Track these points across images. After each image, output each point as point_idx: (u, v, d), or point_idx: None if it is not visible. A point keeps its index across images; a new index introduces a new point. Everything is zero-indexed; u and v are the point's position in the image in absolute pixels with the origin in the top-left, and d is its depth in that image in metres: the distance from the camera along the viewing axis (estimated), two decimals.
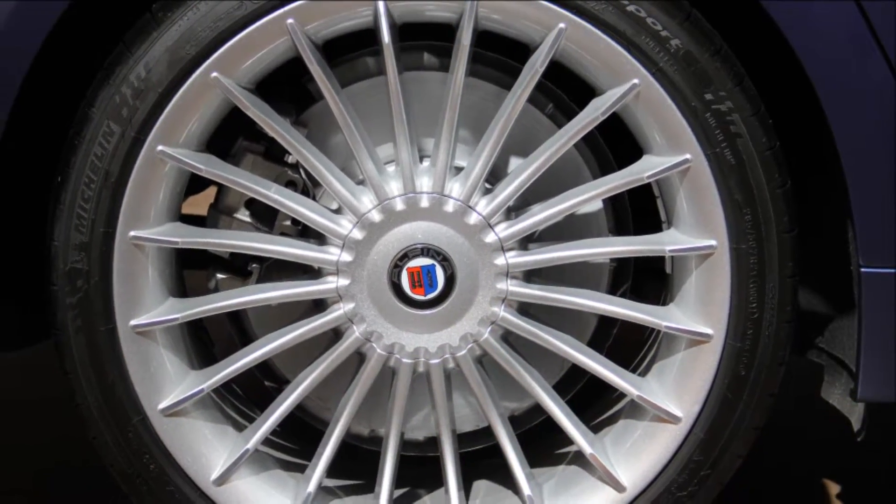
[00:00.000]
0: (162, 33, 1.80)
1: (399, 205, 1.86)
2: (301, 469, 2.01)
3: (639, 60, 1.80)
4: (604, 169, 2.04)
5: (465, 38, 1.80)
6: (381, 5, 1.79)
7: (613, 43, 1.80)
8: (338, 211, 1.90)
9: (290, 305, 2.00)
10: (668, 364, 1.94)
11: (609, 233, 2.05)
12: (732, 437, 1.91)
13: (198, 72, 1.81)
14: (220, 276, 2.01)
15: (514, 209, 1.93)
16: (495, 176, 1.94)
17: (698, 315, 1.90)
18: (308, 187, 1.98)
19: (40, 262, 1.91)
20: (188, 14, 1.80)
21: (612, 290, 2.08)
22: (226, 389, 2.08)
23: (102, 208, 1.84)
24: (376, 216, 1.86)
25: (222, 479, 1.94)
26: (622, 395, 2.01)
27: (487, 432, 2.03)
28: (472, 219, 1.86)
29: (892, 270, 1.81)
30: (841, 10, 1.74)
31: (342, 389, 1.97)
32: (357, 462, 2.11)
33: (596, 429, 2.02)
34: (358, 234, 1.87)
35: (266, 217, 1.98)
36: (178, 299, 1.94)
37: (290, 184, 1.97)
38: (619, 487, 1.94)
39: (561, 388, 2.07)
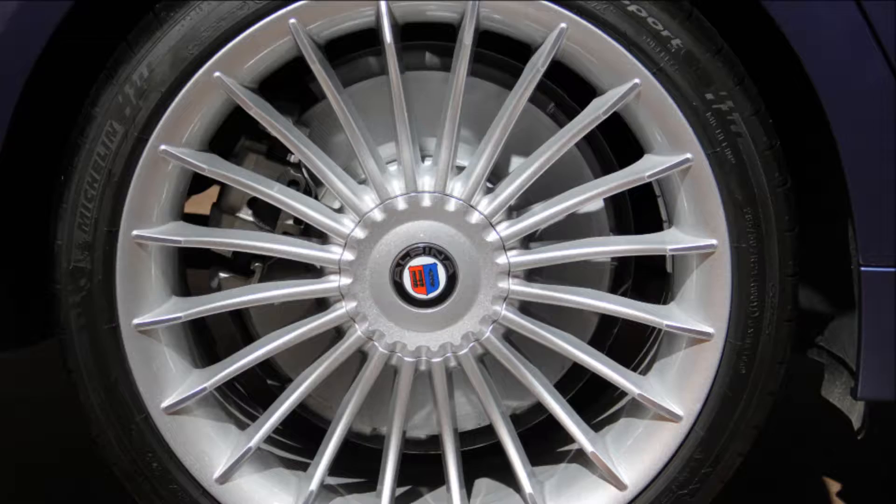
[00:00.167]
0: (165, 33, 1.81)
1: (401, 204, 1.87)
2: (303, 467, 2.02)
3: (640, 60, 1.81)
4: (605, 168, 2.05)
5: (466, 38, 1.80)
6: (382, 5, 1.80)
7: (614, 43, 1.80)
8: (340, 210, 1.91)
9: (293, 304, 2.01)
10: (669, 363, 1.95)
11: (610, 232, 2.06)
12: (733, 436, 1.92)
13: (200, 71, 1.81)
14: (222, 275, 2.02)
15: (516, 208, 1.93)
16: (497, 175, 1.94)
17: (699, 314, 1.90)
18: (310, 186, 1.98)
19: (38, 262, 1.91)
20: (191, 14, 1.80)
21: (614, 288, 2.08)
22: (228, 388, 2.08)
23: (106, 207, 1.85)
24: (378, 215, 1.87)
25: (225, 478, 1.95)
26: (623, 393, 2.01)
27: (489, 430, 2.04)
28: (474, 218, 1.87)
29: (892, 269, 1.82)
30: (841, 9, 1.75)
31: (344, 388, 1.97)
32: (359, 460, 2.12)
33: (597, 427, 2.02)
34: (360, 234, 1.87)
35: (268, 216, 1.99)
36: (180, 298, 1.94)
37: (293, 183, 1.97)
38: (620, 486, 1.95)
39: (562, 387, 2.07)
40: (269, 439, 2.01)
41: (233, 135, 1.98)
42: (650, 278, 2.24)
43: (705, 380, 1.91)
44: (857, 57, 1.75)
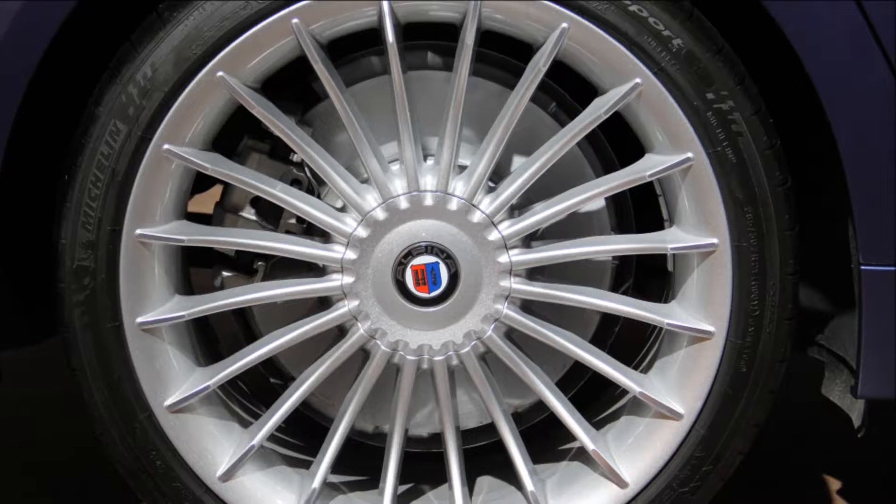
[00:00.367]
0: (168, 33, 1.81)
1: (403, 203, 1.87)
2: (306, 465, 2.02)
3: (641, 60, 1.81)
4: (606, 167, 2.05)
5: (468, 38, 1.81)
6: (385, 5, 1.80)
7: (616, 42, 1.81)
8: (342, 209, 1.91)
9: (295, 303, 2.01)
10: (669, 361, 1.95)
11: (611, 231, 2.06)
12: (734, 434, 1.93)
13: (204, 71, 1.82)
14: (225, 273, 2.02)
15: (518, 207, 1.94)
16: (498, 174, 1.95)
17: (700, 312, 1.91)
18: (313, 186, 1.99)
19: (47, 260, 1.92)
20: (194, 14, 1.81)
21: (615, 287, 2.08)
22: (231, 386, 2.09)
23: (109, 206, 1.85)
24: (381, 214, 1.88)
25: (228, 475, 1.95)
26: (624, 391, 2.02)
27: (491, 429, 2.04)
28: (476, 217, 1.88)
29: (893, 268, 1.82)
30: (841, 9, 1.75)
31: (347, 386, 1.98)
32: (362, 458, 2.12)
33: (598, 425, 2.03)
34: (362, 232, 1.88)
35: (271, 215, 1.99)
36: (183, 297, 1.95)
37: (296, 182, 1.98)
38: (621, 483, 1.95)
39: (564, 385, 2.07)
40: (271, 437, 2.02)
41: (236, 134, 1.98)
42: (651, 277, 2.24)
43: (706, 378, 1.91)
44: (858, 57, 1.76)
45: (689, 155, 1.84)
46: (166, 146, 1.84)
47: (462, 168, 1.91)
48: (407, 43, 1.91)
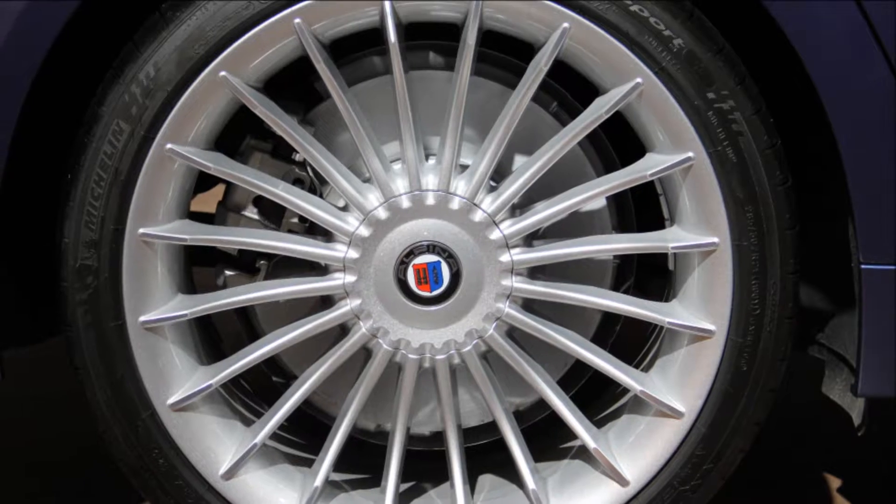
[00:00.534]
0: (171, 33, 1.82)
1: (405, 202, 1.88)
2: (308, 463, 2.03)
3: (642, 59, 1.82)
4: (607, 167, 2.06)
5: (470, 38, 1.81)
6: (387, 5, 1.81)
7: (617, 42, 1.81)
8: (345, 208, 1.92)
9: (298, 302, 2.02)
10: (670, 360, 1.96)
11: (612, 230, 2.07)
12: (734, 432, 1.93)
13: (206, 71, 1.82)
14: (228, 272, 2.03)
15: (519, 206, 1.94)
16: (500, 174, 1.96)
17: (701, 311, 1.91)
18: (315, 185, 1.99)
19: (48, 259, 1.92)
20: (197, 14, 1.81)
21: (616, 286, 2.09)
22: (234, 385, 2.09)
23: (112, 206, 1.86)
24: (382, 213, 1.88)
25: (230, 474, 1.96)
26: (625, 390, 2.02)
27: (492, 427, 2.04)
28: (478, 216, 1.88)
29: (892, 267, 1.83)
30: (841, 9, 1.75)
31: (349, 385, 1.98)
32: (364, 456, 2.13)
33: (599, 424, 2.03)
34: (364, 232, 1.89)
35: (274, 214, 2.00)
36: (186, 296, 1.96)
37: (298, 181, 1.98)
38: (622, 482, 1.96)
39: (565, 384, 2.08)
40: (274, 436, 2.02)
41: (238, 134, 1.99)
42: (652, 276, 2.24)
43: (707, 376, 1.92)
44: (858, 57, 1.76)
45: (690, 154, 1.84)
46: (169, 145, 1.85)
47: (464, 167, 1.91)
48: (409, 43, 1.92)
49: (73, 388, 1.94)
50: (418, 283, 1.89)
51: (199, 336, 2.00)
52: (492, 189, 1.90)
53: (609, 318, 2.11)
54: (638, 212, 2.10)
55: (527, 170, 1.87)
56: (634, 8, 1.80)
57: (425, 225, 1.88)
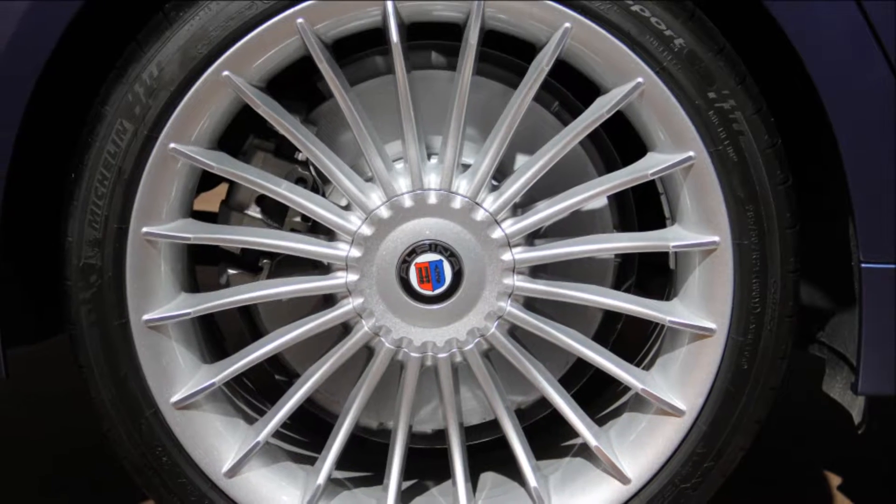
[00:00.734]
0: (174, 32, 1.82)
1: (407, 201, 1.88)
2: (311, 461, 2.03)
3: (643, 59, 1.82)
4: (609, 166, 2.06)
5: (472, 38, 1.82)
6: (389, 5, 1.81)
7: (618, 42, 1.82)
8: (347, 207, 1.92)
9: (300, 300, 2.02)
10: (671, 358, 1.96)
11: (614, 229, 2.07)
12: (735, 430, 1.94)
13: (209, 70, 1.83)
14: (231, 271, 2.03)
15: (521, 206, 1.95)
16: (502, 173, 1.96)
17: (701, 310, 1.92)
18: (318, 184, 2.00)
19: (52, 258, 1.93)
20: (200, 14, 1.82)
21: (617, 285, 2.09)
22: (237, 383, 2.10)
23: (116, 205, 1.86)
24: (385, 213, 1.89)
25: (233, 471, 1.97)
26: (627, 388, 2.03)
27: (494, 425, 2.05)
28: (480, 215, 1.89)
29: (893, 266, 1.83)
30: (841, 9, 1.76)
31: (351, 383, 1.99)
32: (366, 454, 2.13)
33: (601, 422, 2.04)
34: (367, 231, 1.89)
35: (276, 213, 2.00)
36: (189, 294, 1.96)
37: (301, 181, 1.99)
38: (623, 479, 1.96)
39: (566, 382, 2.09)
40: (277, 434, 2.02)
41: (241, 133, 1.99)
42: (653, 275, 2.25)
43: (708, 375, 1.92)
44: (858, 57, 1.77)
45: (691, 154, 1.85)
46: (172, 145, 1.85)
47: (466, 167, 1.92)
48: (411, 43, 1.93)
49: (77, 386, 1.94)
50: (420, 281, 1.90)
51: (202, 334, 2.01)
52: (493, 188, 1.91)
53: (610, 316, 2.11)
54: (639, 211, 2.11)
55: (528, 169, 1.87)
56: (636, 8, 1.81)
57: (427, 224, 1.89)
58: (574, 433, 1.99)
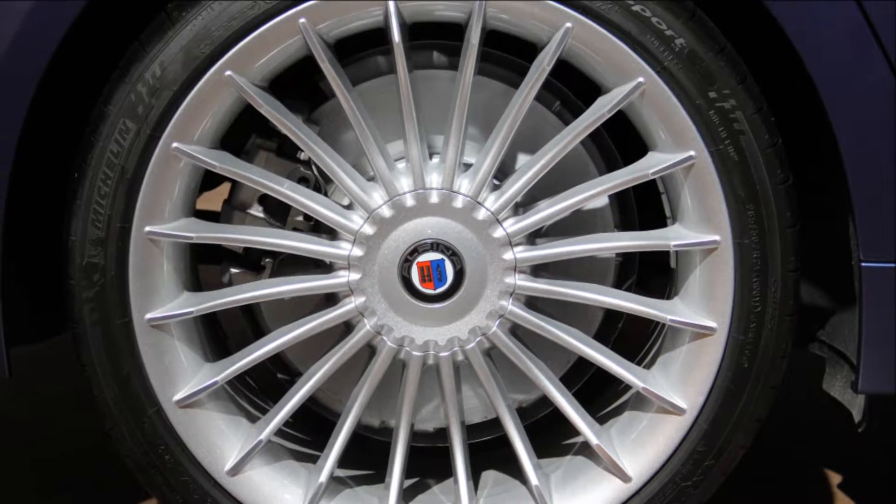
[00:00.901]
0: (177, 32, 1.83)
1: (409, 201, 1.89)
2: (313, 460, 2.04)
3: (644, 59, 1.82)
4: (610, 165, 2.07)
5: (473, 38, 1.82)
6: (391, 5, 1.82)
7: (619, 42, 1.82)
8: (349, 207, 1.93)
9: (303, 299, 2.03)
10: (672, 357, 1.97)
11: (615, 228, 2.08)
12: (736, 429, 1.94)
13: (212, 70, 1.83)
14: (233, 270, 2.03)
15: (522, 205, 1.95)
16: (503, 172, 1.96)
17: (702, 309, 1.92)
18: (320, 183, 2.00)
19: (55, 257, 1.93)
20: (203, 13, 1.82)
21: (618, 284, 2.09)
22: (239, 382, 2.10)
23: (119, 204, 1.87)
24: (387, 212, 1.89)
25: (236, 470, 1.97)
26: (628, 387, 2.04)
27: (496, 423, 2.06)
28: (481, 214, 1.89)
29: (893, 265, 1.83)
30: (841, 9, 1.76)
31: (353, 382, 1.99)
32: (368, 453, 2.13)
33: (602, 420, 2.04)
34: (369, 230, 1.90)
35: (279, 213, 2.01)
36: (192, 293, 1.97)
37: (303, 180, 1.99)
38: (624, 478, 1.97)
39: (568, 381, 2.09)
40: (279, 432, 2.02)
41: (243, 132, 1.99)
42: (654, 274, 2.25)
43: (708, 374, 1.93)
44: (858, 57, 1.77)
45: (692, 153, 1.85)
46: (175, 144, 1.86)
47: (467, 166, 1.92)
48: (413, 42, 1.93)
49: (80, 385, 1.95)
50: (422, 280, 1.90)
51: (204, 333, 2.01)
52: (495, 187, 1.91)
53: (611, 315, 2.12)
54: (640, 210, 2.11)
55: (530, 168, 1.88)
56: (637, 8, 1.81)
57: (429, 223, 1.89)
58: (575, 432, 1.99)
